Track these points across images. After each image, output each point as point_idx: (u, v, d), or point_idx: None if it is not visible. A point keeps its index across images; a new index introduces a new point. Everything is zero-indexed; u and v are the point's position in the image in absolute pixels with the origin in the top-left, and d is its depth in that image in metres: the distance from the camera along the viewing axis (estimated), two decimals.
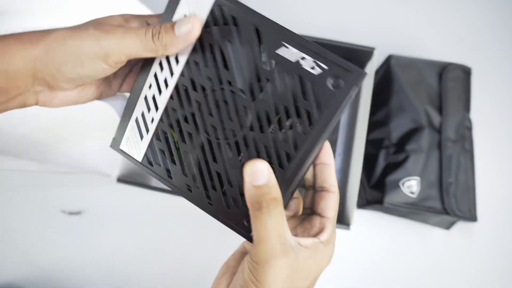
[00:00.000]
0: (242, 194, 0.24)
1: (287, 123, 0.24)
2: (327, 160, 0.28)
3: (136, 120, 0.28)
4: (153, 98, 0.27)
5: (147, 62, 0.27)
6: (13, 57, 0.24)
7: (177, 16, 0.26)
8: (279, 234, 0.24)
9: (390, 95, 0.63)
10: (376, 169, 0.62)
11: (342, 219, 0.59)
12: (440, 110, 0.62)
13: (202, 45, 0.25)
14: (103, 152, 0.61)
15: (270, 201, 0.23)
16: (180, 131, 0.27)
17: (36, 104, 0.27)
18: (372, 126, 0.64)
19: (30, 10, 0.69)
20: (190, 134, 0.26)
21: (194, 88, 0.26)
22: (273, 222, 0.23)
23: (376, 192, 0.61)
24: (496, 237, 0.64)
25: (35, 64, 0.24)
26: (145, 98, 0.28)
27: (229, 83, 0.24)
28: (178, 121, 0.27)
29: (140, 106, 0.28)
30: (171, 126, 0.27)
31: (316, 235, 0.27)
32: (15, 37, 0.25)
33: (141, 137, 0.28)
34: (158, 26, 0.25)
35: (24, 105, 0.27)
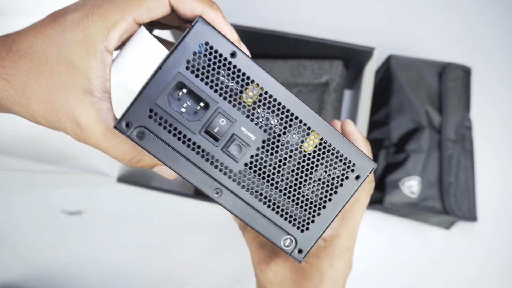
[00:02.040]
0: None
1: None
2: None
3: None
4: None
5: None
6: None
7: None
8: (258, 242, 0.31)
9: (390, 95, 0.63)
10: (376, 169, 0.62)
11: None
12: (440, 110, 0.62)
13: None
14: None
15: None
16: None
17: None
18: (372, 126, 0.64)
19: (30, 10, 0.69)
20: None
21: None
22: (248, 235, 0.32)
23: (376, 192, 0.61)
24: (496, 237, 0.64)
25: None
26: None
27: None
28: None
29: None
30: None
31: None
32: None
33: None
34: None
35: None
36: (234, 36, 0.25)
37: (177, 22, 0.27)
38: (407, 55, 0.64)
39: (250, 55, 0.25)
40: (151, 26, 0.29)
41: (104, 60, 0.23)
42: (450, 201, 0.58)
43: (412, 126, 0.61)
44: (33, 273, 0.65)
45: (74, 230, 0.66)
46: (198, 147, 0.24)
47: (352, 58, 0.60)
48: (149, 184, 0.66)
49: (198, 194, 0.63)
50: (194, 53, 0.23)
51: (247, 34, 0.58)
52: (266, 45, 0.61)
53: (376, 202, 0.61)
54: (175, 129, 0.24)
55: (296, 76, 0.62)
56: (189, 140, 0.24)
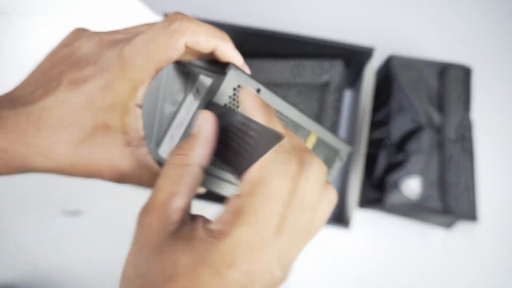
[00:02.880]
0: None
1: None
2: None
3: None
4: None
5: None
6: None
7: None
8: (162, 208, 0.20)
9: (390, 95, 0.63)
10: (376, 169, 0.62)
11: (342, 219, 0.59)
12: (440, 110, 0.62)
13: None
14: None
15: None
16: None
17: None
18: (372, 126, 0.64)
19: (30, 10, 0.69)
20: None
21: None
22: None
23: (376, 192, 0.61)
24: (496, 237, 0.64)
25: None
26: None
27: None
28: None
29: None
30: None
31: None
32: None
33: None
34: None
35: None
36: (241, 61, 0.27)
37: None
38: (407, 55, 0.64)
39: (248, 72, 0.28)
40: None
41: (136, 114, 0.24)
42: (450, 201, 0.58)
43: (412, 126, 0.61)
44: (33, 273, 0.65)
45: (74, 230, 0.66)
46: None
47: (352, 58, 0.60)
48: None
49: (199, 194, 0.63)
50: (229, 96, 0.26)
51: (247, 34, 0.58)
52: (266, 45, 0.61)
53: (376, 202, 0.61)
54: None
55: (296, 76, 0.62)
56: None
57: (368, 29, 0.74)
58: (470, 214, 0.59)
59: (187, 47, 0.24)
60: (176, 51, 0.24)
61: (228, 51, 0.26)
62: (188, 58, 0.28)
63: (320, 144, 0.34)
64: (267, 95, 0.28)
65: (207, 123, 0.23)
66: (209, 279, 0.17)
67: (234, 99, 0.26)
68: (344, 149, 0.36)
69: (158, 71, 0.24)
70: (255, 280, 0.18)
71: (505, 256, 0.63)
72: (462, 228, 0.64)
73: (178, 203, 0.20)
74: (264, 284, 0.19)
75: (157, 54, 0.23)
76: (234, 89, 0.26)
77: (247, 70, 0.29)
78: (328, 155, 0.35)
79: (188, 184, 0.21)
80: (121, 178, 0.25)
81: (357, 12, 0.76)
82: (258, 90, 0.27)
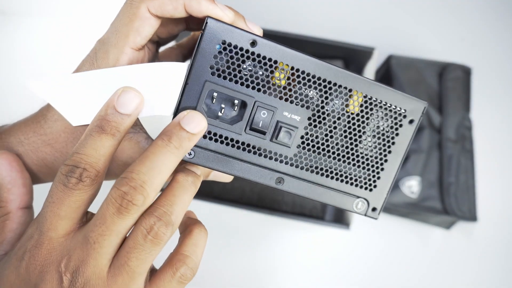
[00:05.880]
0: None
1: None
2: None
3: None
4: None
5: None
6: None
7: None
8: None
9: None
10: None
11: (342, 219, 0.59)
12: (440, 110, 0.62)
13: None
14: None
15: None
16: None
17: None
18: None
19: (30, 10, 0.69)
20: None
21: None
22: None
23: None
24: (496, 237, 0.64)
25: None
26: None
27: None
28: None
29: None
30: None
31: None
32: None
33: None
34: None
35: None
36: (230, 15, 0.24)
37: (176, 29, 0.27)
38: (407, 55, 0.64)
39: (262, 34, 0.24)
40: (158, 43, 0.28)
41: None
42: (450, 201, 0.59)
43: None
44: None
45: None
46: (248, 145, 0.24)
47: (352, 58, 0.60)
48: None
49: (199, 194, 0.63)
50: (215, 56, 0.22)
51: None
52: None
53: None
54: (220, 136, 0.24)
55: None
56: (237, 142, 0.24)
57: (368, 29, 0.74)
58: (470, 214, 0.59)
59: (157, 16, 0.23)
60: (142, 20, 0.22)
61: (202, 5, 0.22)
62: (169, 31, 0.26)
63: (372, 106, 0.25)
64: (267, 47, 0.23)
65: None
66: None
67: (223, 59, 0.22)
68: (414, 107, 0.25)
69: (134, 47, 0.23)
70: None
71: (504, 255, 0.63)
72: (461, 228, 0.64)
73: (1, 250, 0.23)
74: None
75: (122, 28, 0.23)
76: (220, 46, 0.22)
77: (256, 30, 0.25)
78: (387, 121, 0.26)
79: (12, 231, 0.24)
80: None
81: (357, 12, 0.76)
82: (253, 43, 0.23)
